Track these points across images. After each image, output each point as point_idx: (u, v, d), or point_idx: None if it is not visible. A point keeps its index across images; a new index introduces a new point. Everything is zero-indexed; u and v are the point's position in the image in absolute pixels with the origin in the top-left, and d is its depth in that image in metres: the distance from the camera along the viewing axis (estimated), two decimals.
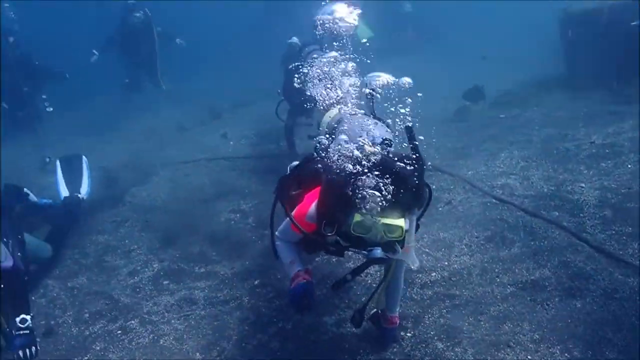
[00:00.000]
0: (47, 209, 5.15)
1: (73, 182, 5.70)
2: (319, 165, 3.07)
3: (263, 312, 3.85)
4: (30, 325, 3.41)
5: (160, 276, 4.52)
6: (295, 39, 7.20)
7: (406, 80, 3.49)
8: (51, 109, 8.60)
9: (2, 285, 3.42)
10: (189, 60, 11.74)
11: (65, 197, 5.49)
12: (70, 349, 3.74)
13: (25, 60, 8.37)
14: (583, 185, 4.79)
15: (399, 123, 2.94)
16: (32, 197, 5.11)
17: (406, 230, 2.61)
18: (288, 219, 2.98)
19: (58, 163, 5.86)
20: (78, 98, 11.21)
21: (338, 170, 2.69)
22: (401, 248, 2.68)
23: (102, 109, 10.89)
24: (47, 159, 7.47)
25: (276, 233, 3.14)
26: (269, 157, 6.99)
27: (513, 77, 9.40)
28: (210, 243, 4.95)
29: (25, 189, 5.06)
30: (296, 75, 4.10)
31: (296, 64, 6.06)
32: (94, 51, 9.48)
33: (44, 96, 8.62)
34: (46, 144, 8.29)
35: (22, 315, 3.42)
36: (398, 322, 3.31)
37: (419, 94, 3.09)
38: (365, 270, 3.21)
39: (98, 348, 3.70)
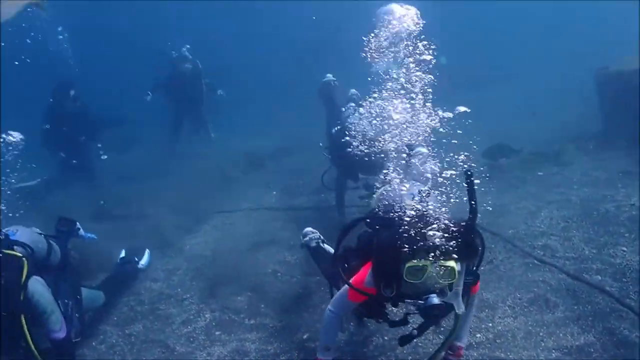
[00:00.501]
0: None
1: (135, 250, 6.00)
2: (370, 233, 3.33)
3: None
4: None
5: (213, 326, 4.73)
6: (330, 76, 7.54)
7: (462, 109, 3.69)
8: (105, 157, 9.10)
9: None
10: (232, 109, 12.26)
11: (122, 258, 5.75)
12: None
13: (83, 111, 8.93)
14: (625, 249, 4.88)
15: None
16: (82, 231, 5.41)
17: (458, 271, 2.81)
18: (343, 289, 3.22)
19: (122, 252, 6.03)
20: (127, 143, 11.72)
21: (387, 231, 2.97)
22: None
23: (150, 155, 11.36)
24: (102, 202, 7.91)
25: (329, 307, 3.34)
26: (312, 209, 7.23)
27: (549, 131, 9.53)
28: (258, 294, 5.16)
29: (77, 223, 5.36)
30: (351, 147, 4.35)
31: (339, 127, 6.42)
32: (148, 92, 10.05)
33: (99, 145, 9.13)
34: (101, 189, 8.75)
35: None
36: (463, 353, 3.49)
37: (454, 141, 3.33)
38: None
39: None
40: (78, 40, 11.46)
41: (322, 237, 4.66)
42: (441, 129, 3.60)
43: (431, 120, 3.59)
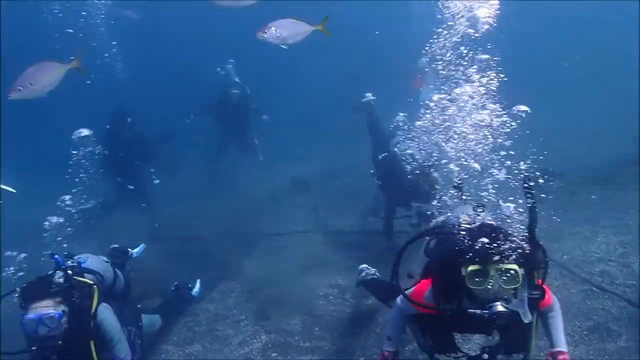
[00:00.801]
0: None
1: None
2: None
3: None
4: None
5: (269, 348, 4.84)
6: (369, 95, 7.56)
7: (522, 107, 3.71)
8: (157, 181, 9.43)
9: None
10: (277, 131, 12.46)
11: (176, 285, 5.72)
12: None
13: (139, 137, 9.33)
14: None
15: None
16: (134, 253, 5.52)
17: (522, 275, 2.76)
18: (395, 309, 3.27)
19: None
20: (175, 165, 12.04)
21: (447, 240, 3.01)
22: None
23: (197, 176, 11.68)
24: (156, 225, 8.20)
25: (397, 300, 3.36)
26: (361, 233, 7.30)
27: (605, 153, 9.29)
28: (312, 317, 5.25)
29: (129, 251, 5.47)
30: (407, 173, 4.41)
31: (386, 154, 6.51)
32: (191, 114, 10.39)
33: (152, 169, 9.49)
34: (154, 212, 9.07)
35: None
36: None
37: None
38: None
39: None
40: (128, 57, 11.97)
41: (377, 273, 4.68)
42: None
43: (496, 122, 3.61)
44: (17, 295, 3.55)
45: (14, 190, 6.42)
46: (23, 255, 4.36)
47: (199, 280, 6.07)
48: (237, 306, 5.71)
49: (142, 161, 9.36)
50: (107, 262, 4.48)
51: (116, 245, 5.52)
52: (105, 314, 3.79)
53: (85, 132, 6.66)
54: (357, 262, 6.19)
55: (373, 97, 7.57)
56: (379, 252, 6.24)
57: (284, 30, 4.49)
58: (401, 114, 7.24)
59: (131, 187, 8.95)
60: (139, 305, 4.94)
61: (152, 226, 8.30)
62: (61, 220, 6.41)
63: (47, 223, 6.37)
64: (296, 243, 7.31)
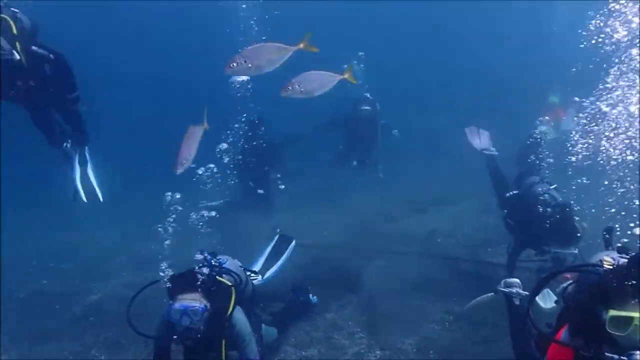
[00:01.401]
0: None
1: (272, 261, 6.23)
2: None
3: None
4: None
5: None
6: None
7: None
8: (283, 187, 9.98)
9: None
10: (402, 149, 12.56)
11: (297, 291, 5.93)
12: None
13: (269, 144, 9.95)
14: None
15: None
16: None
17: None
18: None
19: (276, 237, 6.59)
20: (293, 173, 12.58)
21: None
22: None
23: (316, 185, 12.11)
24: (278, 230, 8.68)
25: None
26: (480, 263, 7.20)
27: None
28: (427, 340, 5.31)
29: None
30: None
31: (515, 192, 6.34)
32: (319, 128, 10.86)
33: (278, 175, 10.06)
34: (275, 217, 9.60)
35: None
36: None
37: None
38: None
39: None
40: None
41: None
42: None
43: None
44: (166, 283, 3.85)
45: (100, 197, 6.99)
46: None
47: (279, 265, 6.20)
48: (353, 318, 5.92)
49: (270, 167, 9.97)
50: (241, 266, 4.72)
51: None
52: (240, 315, 4.02)
53: (225, 145, 7.26)
54: (476, 293, 6.19)
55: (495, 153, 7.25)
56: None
57: (308, 84, 4.27)
58: (543, 127, 7.01)
59: (261, 191, 9.56)
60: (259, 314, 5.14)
61: (273, 231, 8.81)
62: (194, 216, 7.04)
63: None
64: (411, 264, 7.35)
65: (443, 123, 15.27)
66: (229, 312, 3.88)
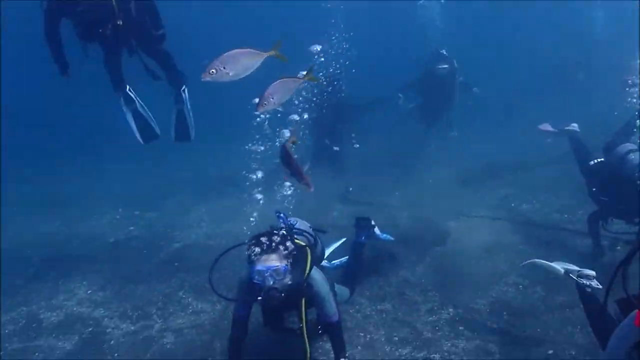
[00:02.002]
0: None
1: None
2: None
3: None
4: None
5: (456, 321, 5.08)
6: (575, 127, 6.90)
7: None
8: (357, 146, 10.10)
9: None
10: (481, 110, 12.31)
11: (354, 243, 5.86)
12: None
13: (343, 102, 10.05)
14: None
15: None
16: (377, 230, 6.02)
17: None
18: (627, 320, 3.08)
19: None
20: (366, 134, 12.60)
21: None
22: None
23: (388, 146, 12.09)
24: (350, 189, 8.86)
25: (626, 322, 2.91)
26: (556, 229, 7.07)
27: None
28: (500, 302, 5.35)
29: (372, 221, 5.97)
30: None
31: (600, 160, 6.12)
32: (399, 94, 10.78)
33: (352, 134, 10.17)
34: (348, 176, 9.77)
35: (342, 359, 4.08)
36: None
37: None
38: None
39: None
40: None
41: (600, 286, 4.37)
42: None
43: None
44: (247, 247, 3.87)
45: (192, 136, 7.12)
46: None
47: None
48: (425, 276, 6.04)
49: (344, 126, 10.09)
50: (310, 227, 4.74)
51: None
52: (317, 275, 4.08)
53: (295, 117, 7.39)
54: (549, 258, 6.11)
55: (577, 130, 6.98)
56: (578, 255, 6.05)
57: (277, 96, 4.18)
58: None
59: (336, 148, 9.74)
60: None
61: (346, 189, 8.98)
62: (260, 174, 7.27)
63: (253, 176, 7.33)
64: (485, 227, 7.34)
65: (522, 89, 14.95)
66: (306, 273, 3.95)
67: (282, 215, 4.41)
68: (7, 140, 15.17)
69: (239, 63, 4.07)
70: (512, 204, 8.23)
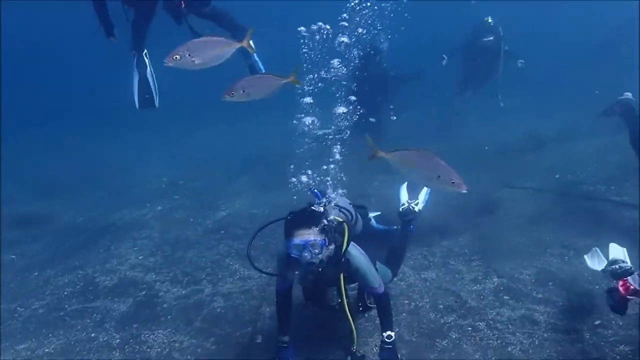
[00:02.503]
0: (385, 233, 5.67)
1: (413, 194, 6.05)
2: None
3: (606, 352, 4.11)
4: (394, 341, 4.02)
5: (501, 290, 5.10)
6: (628, 95, 6.60)
7: None
8: (394, 118, 10.03)
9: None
10: (528, 81, 12.04)
11: (402, 209, 5.78)
12: (429, 331, 4.59)
13: (383, 74, 9.96)
14: None
15: None
16: (373, 222, 5.78)
17: None
18: None
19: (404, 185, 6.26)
20: (407, 104, 12.47)
21: None
22: None
23: (428, 116, 11.97)
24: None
25: None
26: (602, 201, 6.94)
27: None
28: (546, 272, 5.34)
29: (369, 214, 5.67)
30: None
31: None
32: (444, 55, 10.62)
33: (391, 106, 10.11)
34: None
35: (388, 332, 4.03)
36: None
37: None
38: None
39: (454, 337, 4.46)
40: None
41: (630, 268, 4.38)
42: None
43: None
44: (284, 221, 3.88)
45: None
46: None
47: (426, 189, 6.01)
48: (468, 246, 6.06)
49: (383, 97, 10.02)
50: (350, 203, 4.70)
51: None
52: (355, 251, 4.07)
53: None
54: (595, 229, 6.03)
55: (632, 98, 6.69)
56: (624, 228, 5.94)
57: (250, 90, 4.19)
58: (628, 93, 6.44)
59: (372, 119, 9.69)
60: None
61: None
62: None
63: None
64: (529, 198, 7.27)
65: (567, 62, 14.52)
66: (344, 248, 3.92)
67: (316, 191, 4.36)
68: (54, 116, 15.75)
69: (207, 52, 4.08)
70: (557, 175, 8.08)
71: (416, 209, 5.81)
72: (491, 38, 10.02)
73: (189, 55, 3.98)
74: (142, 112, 6.67)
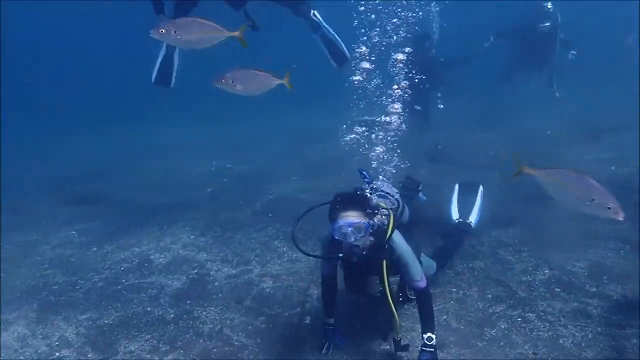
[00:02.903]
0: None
1: (465, 206, 6.06)
2: None
3: None
4: (435, 343, 3.84)
5: (552, 282, 5.02)
6: None
7: None
8: (442, 106, 9.92)
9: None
10: (585, 70, 11.67)
11: (457, 221, 5.90)
12: (477, 320, 4.58)
13: (431, 62, 9.82)
14: None
15: None
16: (421, 194, 5.90)
17: None
18: None
19: (457, 187, 6.30)
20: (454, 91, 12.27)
21: None
22: None
23: (483, 102, 11.71)
24: (439, 146, 8.78)
25: None
26: None
27: None
28: (600, 266, 5.22)
29: (421, 185, 5.83)
30: None
31: None
32: (490, 37, 10.38)
33: (438, 94, 9.98)
34: (436, 134, 9.65)
35: (429, 334, 3.86)
36: None
37: None
38: None
39: (503, 327, 4.43)
40: None
41: None
42: None
43: None
44: (329, 204, 3.84)
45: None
46: None
47: (479, 203, 6.04)
48: (519, 237, 5.97)
49: (431, 85, 9.90)
50: (397, 192, 4.65)
51: (411, 176, 5.86)
52: (399, 239, 3.97)
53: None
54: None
55: None
56: None
57: (240, 82, 4.30)
58: None
59: (418, 107, 9.62)
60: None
61: (435, 147, 8.91)
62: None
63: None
64: None
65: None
66: (388, 234, 3.85)
67: (365, 173, 4.29)
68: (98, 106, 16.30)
69: (193, 32, 4.21)
70: (613, 167, 7.83)
71: (472, 225, 5.87)
72: (547, 24, 9.68)
73: (175, 32, 4.21)
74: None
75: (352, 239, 3.68)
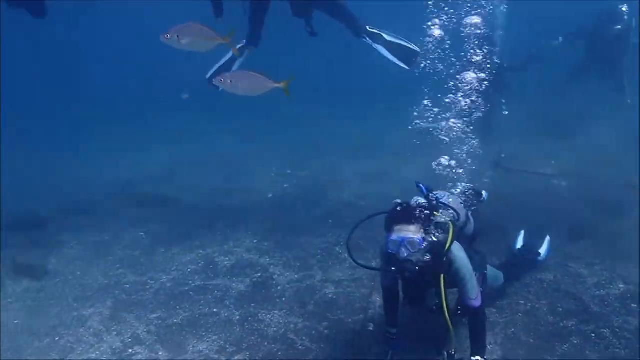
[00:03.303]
0: None
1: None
2: None
3: None
4: None
5: (627, 297, 4.83)
6: None
7: None
8: (506, 113, 9.68)
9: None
10: None
11: (521, 248, 5.52)
12: (547, 334, 4.42)
13: (496, 66, 9.61)
14: None
15: None
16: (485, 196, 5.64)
17: None
18: None
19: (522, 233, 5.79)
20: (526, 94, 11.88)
21: None
22: None
23: (549, 110, 11.35)
24: (503, 155, 8.57)
25: None
26: None
27: None
28: None
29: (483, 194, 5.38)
30: None
31: None
32: (560, 37, 10.07)
33: (503, 100, 9.75)
34: (500, 143, 9.44)
35: (477, 357, 3.66)
36: None
37: None
38: None
39: (575, 342, 4.28)
40: None
41: None
42: None
43: None
44: (386, 216, 3.73)
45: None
46: None
47: (548, 239, 5.60)
48: (590, 249, 5.82)
49: (495, 90, 9.69)
50: (461, 203, 4.49)
51: (471, 186, 5.43)
52: (459, 252, 3.80)
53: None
54: None
55: None
56: None
57: (237, 83, 4.49)
58: None
59: (480, 114, 9.41)
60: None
61: (498, 155, 8.71)
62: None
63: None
64: None
65: None
66: (447, 247, 3.66)
67: (422, 187, 4.18)
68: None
69: (192, 36, 4.53)
70: None
71: (540, 256, 5.43)
72: (619, 27, 9.27)
73: (177, 37, 4.53)
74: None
75: (405, 254, 3.56)
